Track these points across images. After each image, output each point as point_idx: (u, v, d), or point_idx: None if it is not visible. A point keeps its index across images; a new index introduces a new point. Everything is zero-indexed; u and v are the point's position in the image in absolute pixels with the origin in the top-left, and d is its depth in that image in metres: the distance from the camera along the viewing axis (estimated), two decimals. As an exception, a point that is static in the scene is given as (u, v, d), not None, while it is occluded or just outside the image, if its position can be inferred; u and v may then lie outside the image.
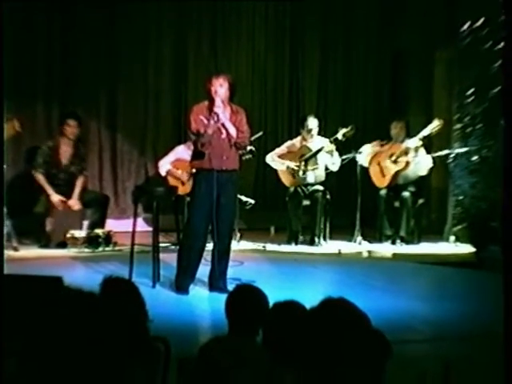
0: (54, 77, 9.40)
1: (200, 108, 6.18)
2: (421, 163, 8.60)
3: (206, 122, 6.02)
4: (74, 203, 8.30)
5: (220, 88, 6.06)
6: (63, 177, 8.39)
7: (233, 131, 6.10)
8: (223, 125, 6.06)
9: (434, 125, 8.42)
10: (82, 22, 9.36)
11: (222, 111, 6.03)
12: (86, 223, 8.39)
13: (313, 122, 8.70)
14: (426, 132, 8.45)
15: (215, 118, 6.00)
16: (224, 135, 6.10)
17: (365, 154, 8.67)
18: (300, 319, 2.93)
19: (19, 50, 9.04)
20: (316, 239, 8.53)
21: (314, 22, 10.24)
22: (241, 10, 10.12)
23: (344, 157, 8.66)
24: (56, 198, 8.22)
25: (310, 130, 8.68)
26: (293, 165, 8.67)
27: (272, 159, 8.87)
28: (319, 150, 8.54)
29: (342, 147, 8.67)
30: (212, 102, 6.06)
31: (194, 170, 6.48)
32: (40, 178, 8.30)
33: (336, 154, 8.60)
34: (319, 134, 8.82)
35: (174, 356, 3.15)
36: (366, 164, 8.70)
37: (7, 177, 8.73)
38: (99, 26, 9.50)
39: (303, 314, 2.97)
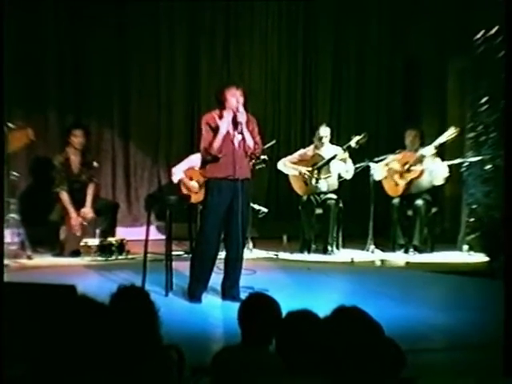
0: (66, 86, 9.39)
1: (211, 117, 6.17)
2: (436, 172, 8.55)
3: (220, 143, 6.01)
4: (88, 211, 8.32)
5: (240, 98, 6.08)
6: (76, 186, 8.38)
7: (251, 142, 6.10)
8: (242, 135, 6.07)
9: (450, 132, 8.38)
10: (93, 30, 9.38)
11: (246, 120, 6.06)
12: (98, 231, 8.40)
13: (325, 131, 8.69)
14: (441, 139, 8.41)
15: (239, 129, 6.02)
16: (237, 144, 6.11)
17: (379, 169, 8.64)
18: (313, 328, 2.93)
19: (30, 59, 9.07)
20: (329, 248, 8.52)
21: (326, 25, 10.23)
22: (254, 11, 10.09)
23: (357, 165, 8.64)
24: (77, 221, 8.20)
25: (321, 138, 8.67)
26: (304, 169, 8.67)
27: (284, 165, 8.85)
28: (332, 158, 8.53)
29: (356, 156, 8.67)
30: (223, 110, 6.08)
31: (206, 178, 6.47)
32: (65, 197, 8.23)
33: (349, 161, 8.59)
34: (332, 142, 8.81)
35: (187, 364, 3.15)
36: (378, 178, 8.67)
37: (21, 185, 8.78)
38: (110, 34, 9.52)
39: (316, 323, 2.97)
